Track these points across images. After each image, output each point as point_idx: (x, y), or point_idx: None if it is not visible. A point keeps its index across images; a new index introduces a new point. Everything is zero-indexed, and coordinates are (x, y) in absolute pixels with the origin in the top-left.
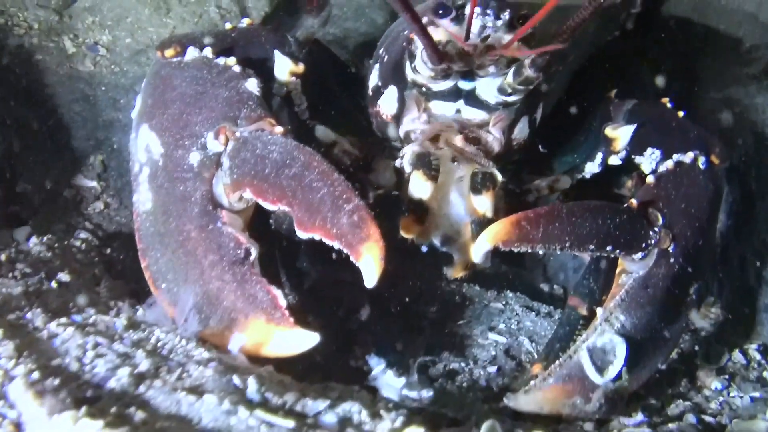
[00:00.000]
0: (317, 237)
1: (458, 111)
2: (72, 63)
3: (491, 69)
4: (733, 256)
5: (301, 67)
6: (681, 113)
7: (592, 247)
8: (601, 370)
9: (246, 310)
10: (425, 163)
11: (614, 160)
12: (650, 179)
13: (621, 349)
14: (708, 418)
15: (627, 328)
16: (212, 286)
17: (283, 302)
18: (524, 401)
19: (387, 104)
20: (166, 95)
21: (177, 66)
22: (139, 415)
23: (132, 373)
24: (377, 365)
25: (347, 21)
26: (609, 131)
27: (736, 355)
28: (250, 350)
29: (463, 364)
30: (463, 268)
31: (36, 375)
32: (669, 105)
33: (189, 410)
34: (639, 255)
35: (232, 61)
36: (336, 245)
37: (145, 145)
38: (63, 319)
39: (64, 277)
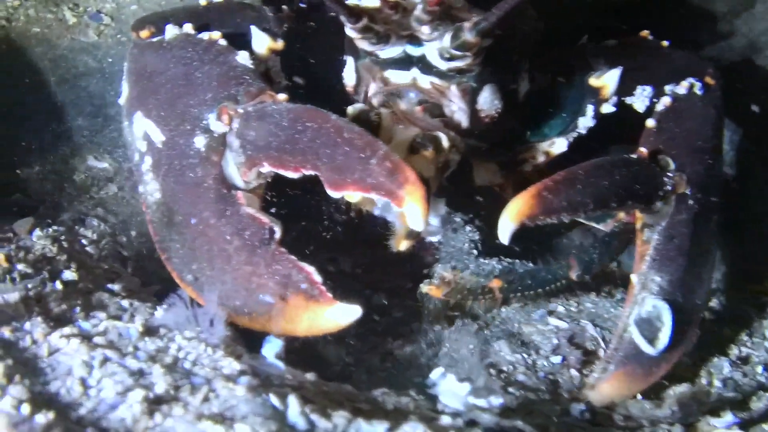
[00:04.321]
0: (352, 193)
1: (414, 79)
2: (73, 34)
3: (433, 32)
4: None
5: (279, 44)
6: (665, 42)
7: (613, 204)
8: (652, 341)
9: (283, 291)
10: (363, 119)
11: (607, 108)
12: (651, 123)
13: (666, 314)
14: None
15: (665, 288)
16: (242, 272)
17: (318, 278)
18: (594, 398)
19: (347, 75)
20: (156, 79)
21: (159, 46)
22: None
23: (146, 397)
24: (436, 371)
25: None
26: (594, 81)
27: None
28: (290, 332)
29: (525, 355)
30: (407, 238)
31: (26, 409)
32: (650, 37)
33: None
34: (658, 205)
35: (216, 35)
36: (374, 196)
37: (142, 133)
38: (66, 330)
39: (70, 275)
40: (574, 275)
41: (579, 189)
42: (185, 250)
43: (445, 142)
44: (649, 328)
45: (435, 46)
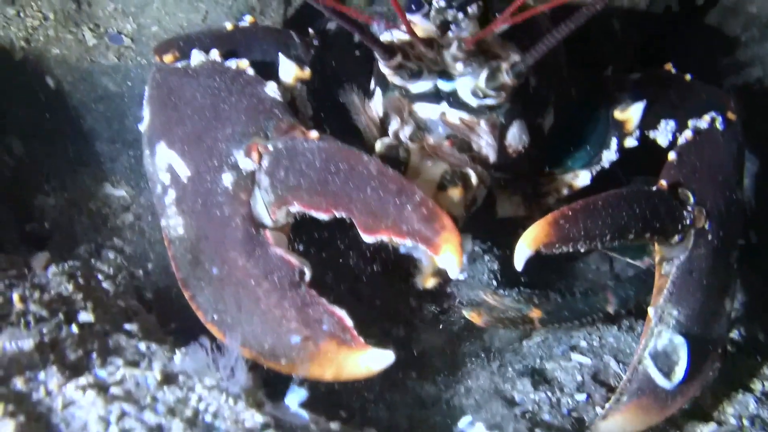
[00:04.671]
0: (386, 238)
1: (443, 114)
2: (93, 56)
3: (466, 69)
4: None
5: (306, 72)
6: (688, 76)
7: (631, 236)
8: (668, 375)
9: (314, 337)
10: (393, 155)
11: (630, 142)
12: (672, 156)
13: (683, 348)
14: None
15: (682, 322)
16: (271, 315)
17: (350, 322)
18: (605, 428)
19: (375, 107)
20: (181, 108)
21: (184, 72)
22: None
23: None
24: (464, 420)
25: None
26: (618, 114)
27: None
28: (319, 376)
29: (549, 393)
30: (434, 276)
31: None
32: (673, 70)
33: None
34: (676, 238)
35: (244, 63)
36: (409, 243)
37: (166, 166)
38: (82, 380)
39: (86, 316)
40: (611, 309)
41: (597, 219)
42: (211, 290)
43: (474, 180)
44: (665, 362)
45: (467, 82)
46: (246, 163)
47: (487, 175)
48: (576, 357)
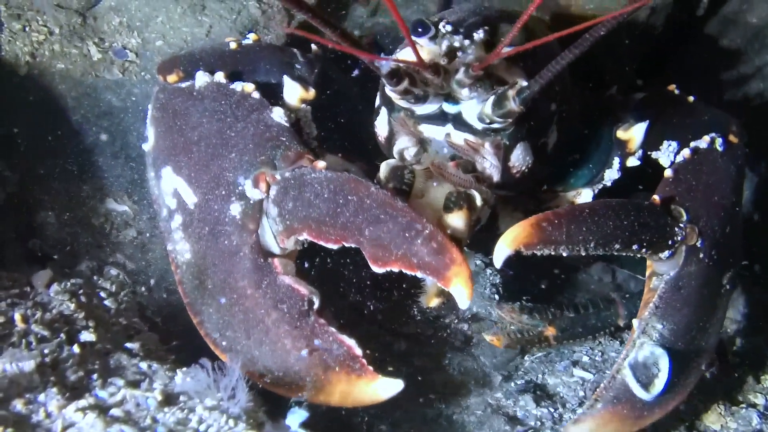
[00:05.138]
0: (395, 270)
1: (448, 135)
2: (98, 71)
3: (472, 93)
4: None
5: (311, 93)
6: (691, 98)
7: (617, 246)
8: (646, 386)
9: (323, 365)
10: (397, 176)
11: (632, 162)
12: (668, 173)
13: (664, 361)
14: None
15: (666, 336)
16: (280, 345)
17: (359, 351)
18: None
19: (380, 126)
20: (187, 132)
21: (190, 95)
22: None
23: None
24: None
25: (398, 9)
26: (621, 134)
27: None
28: (327, 402)
29: (551, 409)
30: (438, 296)
31: None
32: (676, 91)
33: None
34: (666, 254)
35: (250, 87)
36: (419, 275)
37: (172, 191)
38: (82, 402)
39: (88, 336)
40: (621, 322)
41: (582, 225)
42: (219, 317)
43: (479, 201)
44: (644, 373)
45: (472, 106)
46: (254, 193)
47: (491, 195)
48: (578, 372)
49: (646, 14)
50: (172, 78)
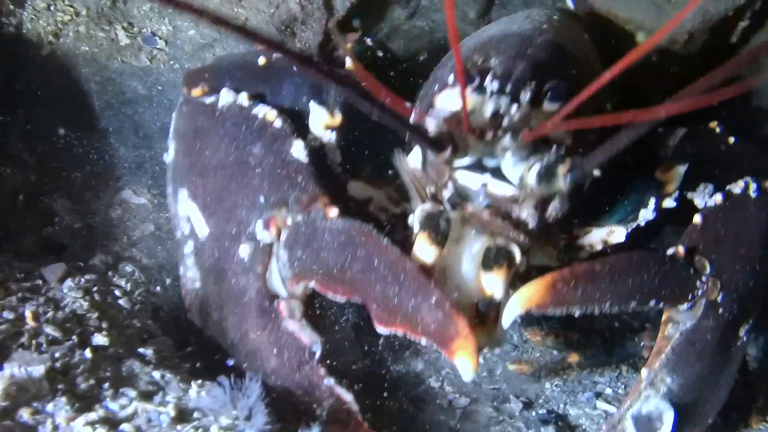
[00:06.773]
0: (400, 333)
1: (485, 185)
2: (124, 57)
3: (515, 154)
4: None
5: (337, 119)
6: (732, 139)
7: (634, 304)
8: None
9: (318, 417)
10: (433, 225)
11: (669, 203)
12: (697, 218)
13: (668, 416)
14: None
15: (674, 391)
16: (279, 389)
17: (355, 407)
18: None
19: (413, 161)
20: (205, 156)
21: (212, 114)
22: None
23: None
24: None
25: (437, 12)
26: (660, 174)
27: None
28: None
29: None
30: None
31: None
32: (718, 130)
33: None
34: (685, 306)
35: (272, 115)
36: (424, 342)
37: (186, 216)
38: (92, 415)
39: (101, 339)
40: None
41: (599, 284)
42: (227, 344)
43: (518, 258)
44: (646, 427)
45: (514, 163)
46: (264, 235)
47: (527, 244)
48: (601, 405)
49: (683, 39)
50: (196, 92)
